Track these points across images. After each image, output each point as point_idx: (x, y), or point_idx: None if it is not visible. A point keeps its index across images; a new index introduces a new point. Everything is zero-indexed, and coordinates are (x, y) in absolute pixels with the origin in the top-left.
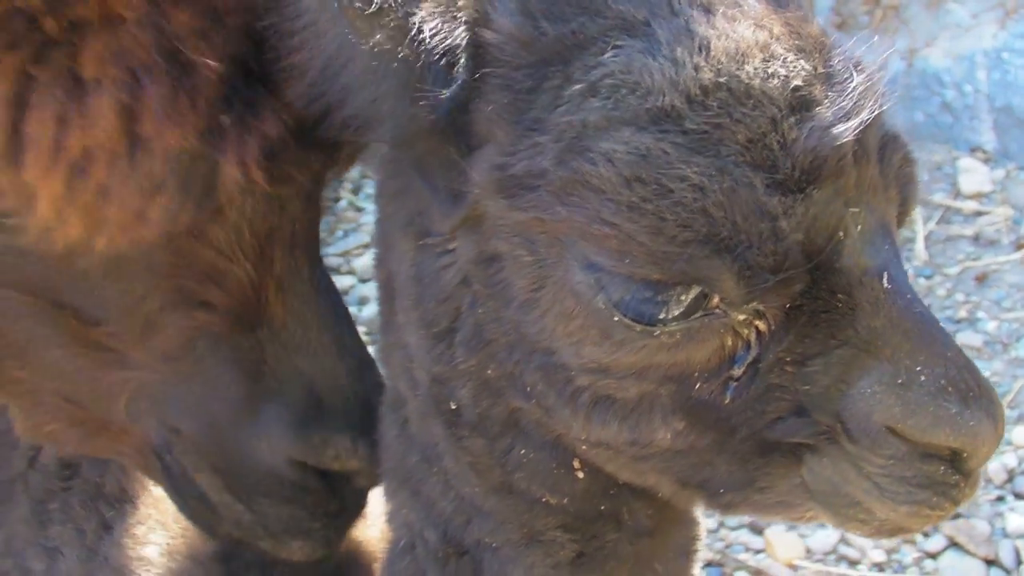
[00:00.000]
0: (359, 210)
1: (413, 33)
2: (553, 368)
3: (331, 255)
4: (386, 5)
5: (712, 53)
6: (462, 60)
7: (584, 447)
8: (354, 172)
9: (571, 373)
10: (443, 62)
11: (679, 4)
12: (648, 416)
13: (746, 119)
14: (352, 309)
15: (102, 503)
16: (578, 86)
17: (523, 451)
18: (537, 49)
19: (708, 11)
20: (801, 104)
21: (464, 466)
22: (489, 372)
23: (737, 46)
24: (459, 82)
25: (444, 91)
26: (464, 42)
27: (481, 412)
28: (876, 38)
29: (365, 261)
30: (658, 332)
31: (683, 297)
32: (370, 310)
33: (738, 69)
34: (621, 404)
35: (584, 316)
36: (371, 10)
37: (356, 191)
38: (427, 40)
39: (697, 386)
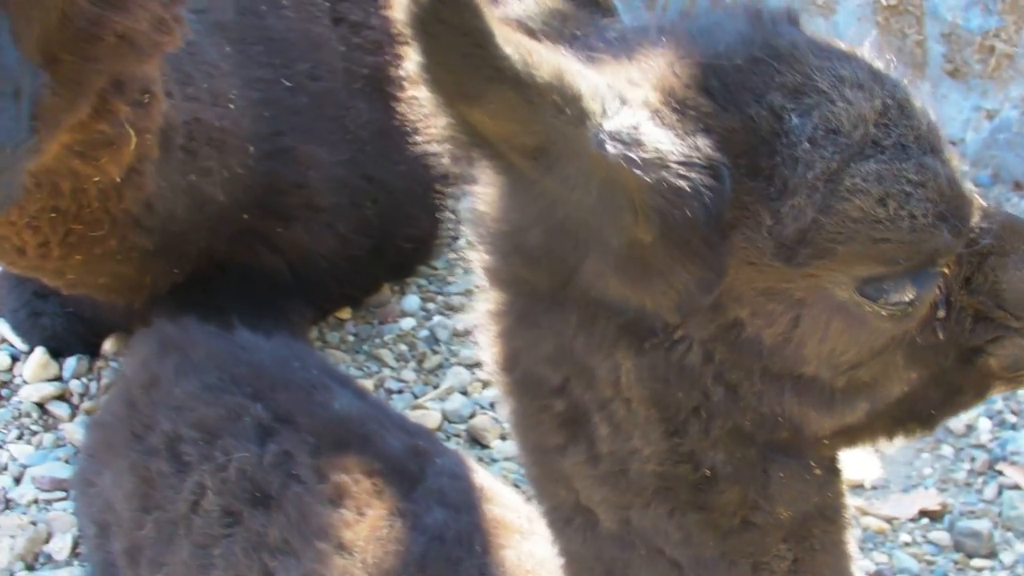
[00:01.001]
0: None
1: (666, 156)
2: (807, 387)
3: (453, 294)
4: (643, 139)
5: (864, 85)
6: (710, 165)
7: (826, 440)
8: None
9: (825, 382)
10: (694, 173)
11: (815, 58)
12: (887, 381)
13: (912, 122)
14: (475, 349)
15: (265, 553)
16: (803, 146)
17: (781, 474)
18: (758, 131)
19: (830, 57)
20: None
21: (700, 527)
22: (744, 423)
23: (878, 75)
24: (723, 183)
25: (704, 195)
26: (706, 152)
27: (736, 462)
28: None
29: None
30: (912, 310)
31: (928, 271)
32: None
33: (891, 90)
34: (867, 384)
35: (846, 327)
36: (630, 150)
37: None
38: (679, 159)
39: (920, 338)
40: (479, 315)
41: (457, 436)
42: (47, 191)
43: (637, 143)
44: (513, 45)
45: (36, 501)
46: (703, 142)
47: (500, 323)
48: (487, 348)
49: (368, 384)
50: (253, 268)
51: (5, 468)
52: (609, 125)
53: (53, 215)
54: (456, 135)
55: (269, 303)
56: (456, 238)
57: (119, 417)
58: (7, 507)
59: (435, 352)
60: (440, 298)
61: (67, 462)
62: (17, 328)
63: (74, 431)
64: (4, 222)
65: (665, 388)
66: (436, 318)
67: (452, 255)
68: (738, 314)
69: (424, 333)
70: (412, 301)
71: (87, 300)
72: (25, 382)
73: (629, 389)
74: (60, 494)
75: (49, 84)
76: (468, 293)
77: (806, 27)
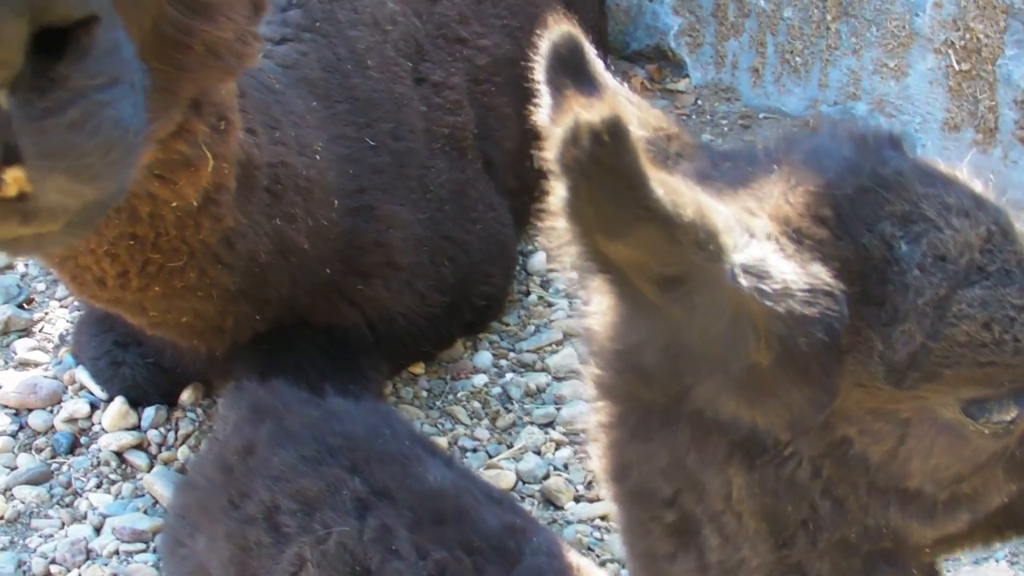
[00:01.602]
0: (550, 305)
1: (792, 286)
2: (911, 500)
3: (525, 351)
4: (771, 272)
5: (969, 212)
6: (831, 293)
7: (927, 549)
8: (540, 263)
9: (929, 495)
10: (817, 302)
11: (921, 185)
12: (987, 493)
13: (1015, 247)
14: (548, 408)
15: None
16: (913, 273)
17: None
18: (870, 259)
19: (935, 184)
20: None
21: None
22: (850, 534)
23: (981, 201)
24: (842, 311)
25: (826, 323)
26: (826, 281)
27: (842, 572)
28: None
29: (559, 359)
30: (1013, 427)
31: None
32: (568, 410)
33: (994, 216)
34: (968, 496)
35: (950, 444)
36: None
37: (545, 285)
38: (803, 288)
39: (1019, 452)
40: (590, 426)
41: (531, 497)
42: (125, 216)
43: (766, 275)
44: (663, 185)
45: (117, 552)
46: (822, 271)
47: (612, 435)
48: (597, 458)
49: (442, 442)
50: (333, 322)
51: (84, 517)
52: (740, 259)
53: (131, 242)
54: (587, 263)
55: (347, 358)
56: (527, 293)
57: (214, 482)
58: (88, 558)
59: (508, 410)
60: (512, 355)
61: (145, 512)
62: (97, 376)
63: (152, 482)
64: (84, 250)
65: (775, 502)
66: (508, 375)
67: (523, 311)
68: (847, 432)
69: (497, 390)
70: (484, 357)
71: (168, 349)
72: (104, 430)
73: (740, 503)
74: (140, 546)
75: (149, 87)
76: (539, 351)
77: (909, 150)
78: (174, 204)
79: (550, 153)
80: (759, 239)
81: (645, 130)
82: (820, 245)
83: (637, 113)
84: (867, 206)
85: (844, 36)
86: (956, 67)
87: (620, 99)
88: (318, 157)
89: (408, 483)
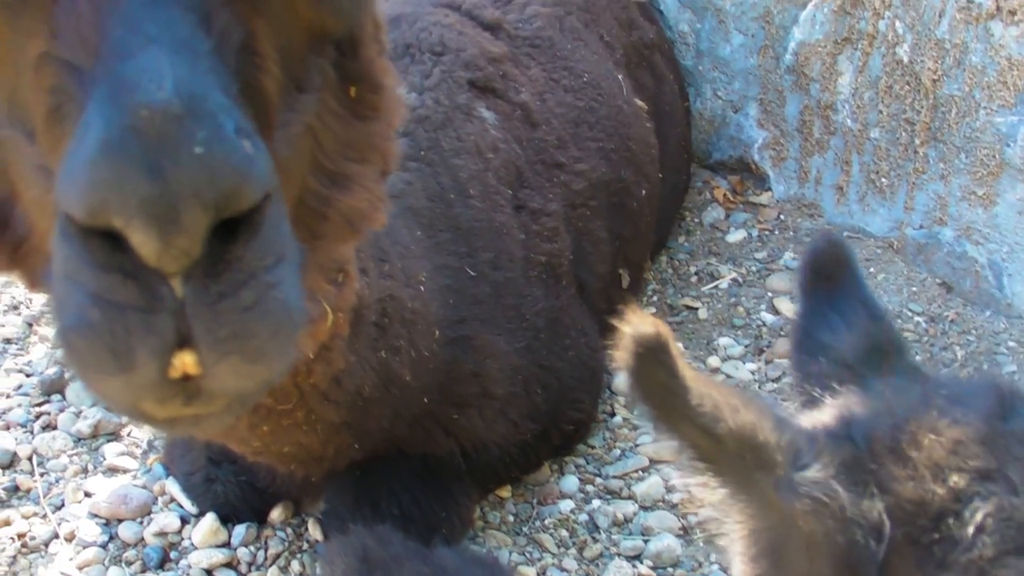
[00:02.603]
0: (635, 428)
1: (846, 514)
2: None
3: (611, 477)
4: (828, 499)
5: None
6: (884, 528)
7: None
8: (623, 383)
9: None
10: (870, 534)
11: (1019, 447)
12: None
13: None
14: (636, 540)
15: None
16: (969, 528)
17: None
18: (929, 505)
19: None
20: None
21: None
22: None
23: None
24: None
25: (864, 551)
26: (883, 515)
27: None
28: None
29: (646, 487)
30: None
31: None
32: (656, 544)
33: None
34: None
35: None
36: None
37: (630, 406)
38: (857, 518)
39: None
40: None
41: None
42: None
43: (814, 495)
44: (706, 398)
45: None
46: (874, 505)
47: None
48: None
49: (531, 572)
50: (428, 451)
51: None
52: (793, 475)
53: None
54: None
55: (439, 485)
56: (612, 414)
57: None
58: None
59: (595, 540)
60: (598, 480)
61: None
62: (189, 492)
63: None
64: None
65: None
66: (595, 502)
67: (608, 433)
68: None
69: (583, 517)
70: (571, 482)
71: (262, 470)
72: (194, 546)
73: None
74: None
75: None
76: (625, 477)
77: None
78: None
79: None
80: (821, 460)
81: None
82: (883, 480)
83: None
84: (953, 457)
85: (932, 161)
86: None
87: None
88: (422, 288)
89: None
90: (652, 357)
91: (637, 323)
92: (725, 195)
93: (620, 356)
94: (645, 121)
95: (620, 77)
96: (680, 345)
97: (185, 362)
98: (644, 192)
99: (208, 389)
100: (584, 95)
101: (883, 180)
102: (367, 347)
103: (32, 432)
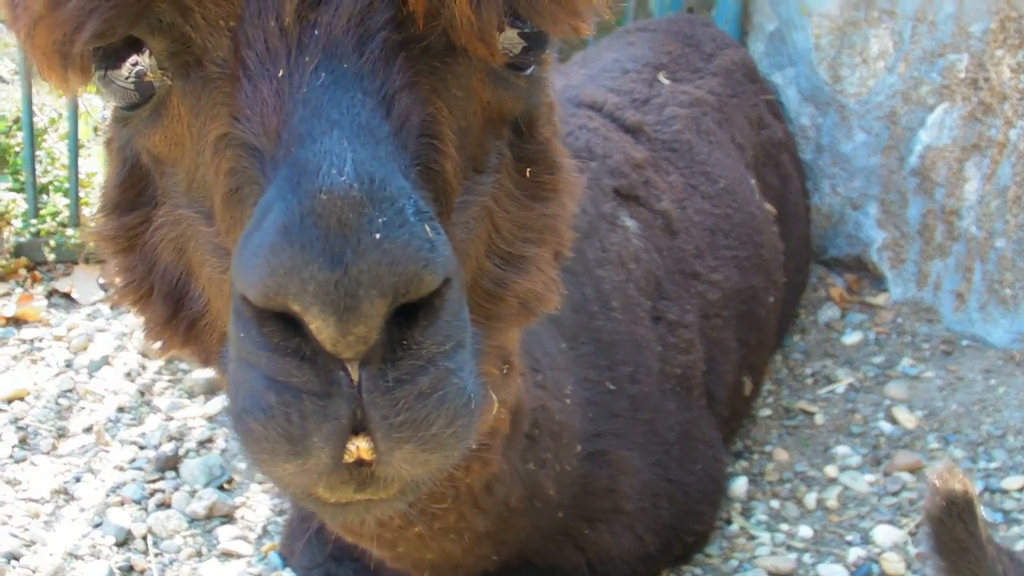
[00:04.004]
0: (752, 538)
1: None
2: None
3: None
4: None
5: None
6: None
7: None
8: (741, 489)
9: None
10: None
11: None
12: None
13: None
14: None
15: None
16: None
17: None
18: None
19: None
20: None
21: None
22: None
23: None
24: None
25: None
26: None
27: None
28: None
29: None
30: None
31: None
32: None
33: None
34: None
35: None
36: None
37: (747, 513)
38: None
39: None
40: None
41: None
42: None
43: None
44: (999, 567)
45: None
46: None
47: None
48: None
49: None
50: (556, 562)
51: None
52: None
53: None
54: None
55: None
56: (729, 522)
57: None
58: None
59: None
60: None
61: None
62: None
63: None
64: None
65: None
66: None
67: (724, 542)
68: None
69: None
70: None
71: (389, 573)
72: None
73: None
74: None
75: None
76: None
77: None
78: None
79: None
80: None
81: None
82: None
83: None
84: None
85: None
86: None
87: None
88: (568, 401)
89: None
90: (956, 514)
91: (947, 478)
92: (841, 294)
93: (925, 507)
94: (773, 225)
95: (752, 181)
96: (796, 451)
97: (360, 448)
98: (772, 299)
99: (382, 476)
100: (720, 202)
101: (1007, 290)
102: (518, 457)
103: (147, 510)
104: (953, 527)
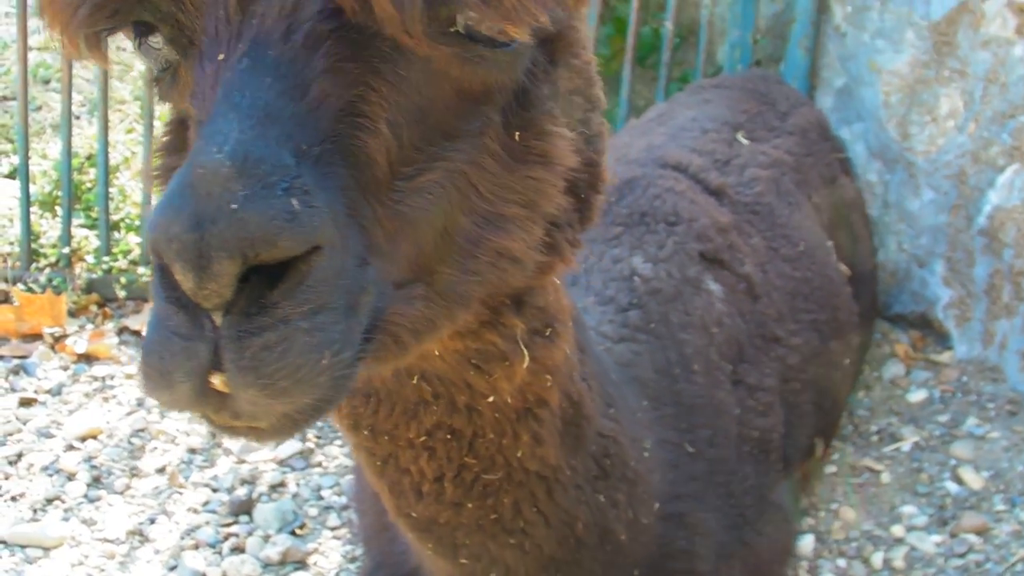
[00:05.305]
0: None
1: None
2: None
3: None
4: None
5: None
6: None
7: None
8: (808, 548)
9: None
10: None
11: None
12: None
13: None
14: None
15: None
16: None
17: None
18: None
19: None
20: None
21: None
22: None
23: None
24: None
25: None
26: None
27: None
28: None
29: None
30: None
31: None
32: None
33: None
34: None
35: None
36: None
37: (814, 572)
38: None
39: None
40: None
41: None
42: (444, 405)
43: None
44: None
45: None
46: None
47: None
48: None
49: None
50: None
51: None
52: None
53: (448, 436)
54: None
55: None
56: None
57: None
58: None
59: None
60: None
61: None
62: None
63: None
64: (403, 443)
65: None
66: None
67: None
68: None
69: None
70: None
71: None
72: None
73: None
74: None
75: (423, 295)
76: None
77: None
78: (490, 399)
79: None
80: None
81: None
82: None
83: None
84: None
85: None
86: None
87: None
88: (646, 455)
89: None
90: None
91: None
92: (906, 351)
93: None
94: (847, 286)
95: (829, 243)
96: (862, 509)
97: (219, 382)
98: (847, 361)
99: (238, 410)
100: (800, 265)
101: None
102: (584, 477)
103: (221, 554)
104: None
